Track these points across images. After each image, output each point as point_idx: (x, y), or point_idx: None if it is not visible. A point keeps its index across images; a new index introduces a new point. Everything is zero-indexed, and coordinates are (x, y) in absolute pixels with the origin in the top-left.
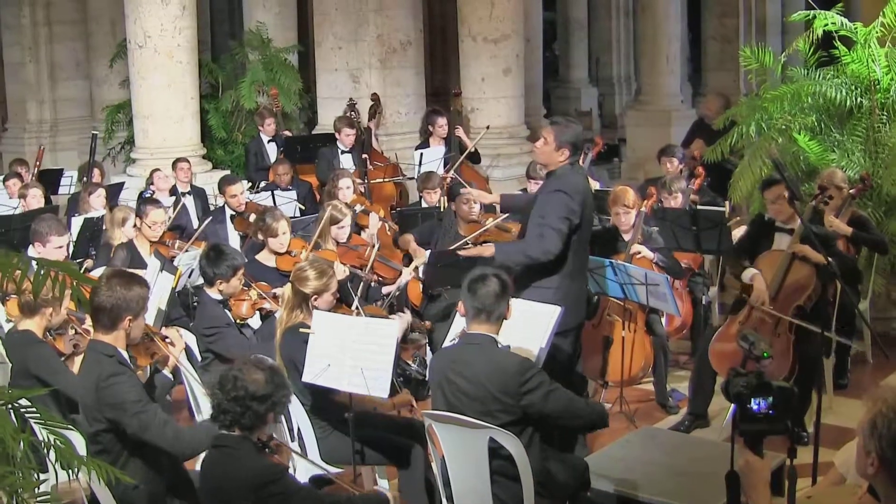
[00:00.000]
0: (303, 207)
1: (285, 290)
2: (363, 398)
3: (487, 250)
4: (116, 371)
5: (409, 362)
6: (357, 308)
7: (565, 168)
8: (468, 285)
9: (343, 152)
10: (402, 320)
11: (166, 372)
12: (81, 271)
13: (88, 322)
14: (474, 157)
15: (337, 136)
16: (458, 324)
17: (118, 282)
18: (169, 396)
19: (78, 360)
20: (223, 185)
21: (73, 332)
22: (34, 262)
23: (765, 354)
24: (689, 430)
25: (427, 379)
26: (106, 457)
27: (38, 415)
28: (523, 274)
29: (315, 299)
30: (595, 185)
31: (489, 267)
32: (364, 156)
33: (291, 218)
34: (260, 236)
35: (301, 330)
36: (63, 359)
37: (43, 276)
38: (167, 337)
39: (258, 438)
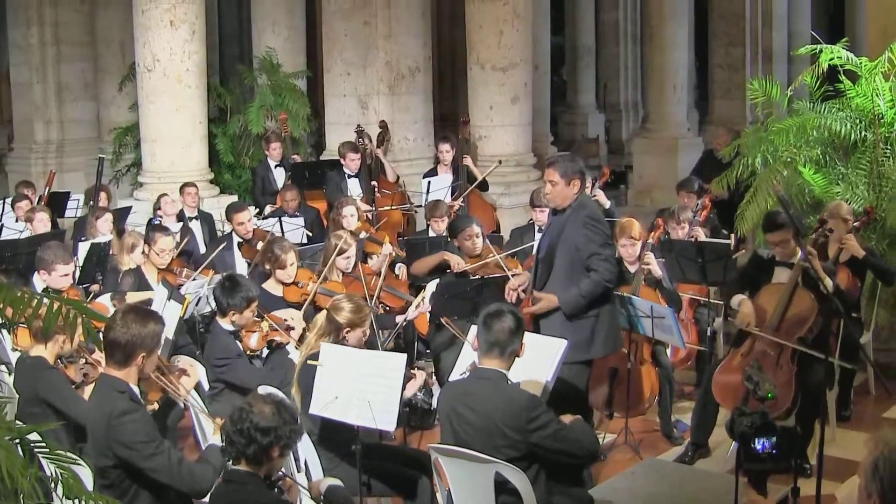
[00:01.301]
0: (310, 234)
1: (318, 318)
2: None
3: (551, 302)
4: (128, 409)
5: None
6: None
7: (581, 198)
8: (484, 320)
9: (350, 177)
10: (420, 378)
11: (179, 402)
12: (88, 297)
13: (98, 353)
14: (482, 185)
15: (342, 161)
16: (466, 356)
17: (133, 318)
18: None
19: (88, 388)
20: (230, 212)
21: (84, 361)
22: (45, 298)
23: (769, 395)
24: (692, 460)
25: (433, 408)
26: (113, 491)
27: (47, 448)
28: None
29: (347, 331)
30: (606, 203)
31: (505, 304)
32: (373, 183)
33: (298, 245)
34: (267, 266)
35: (309, 362)
36: (73, 387)
37: (55, 312)
38: (181, 370)
39: (266, 475)
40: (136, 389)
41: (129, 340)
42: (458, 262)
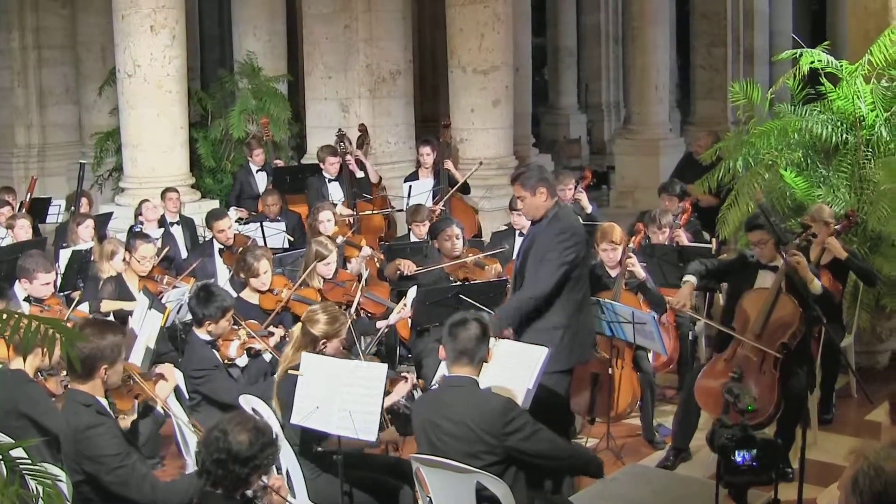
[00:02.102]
0: (292, 238)
1: (294, 330)
2: (352, 443)
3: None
4: (94, 422)
5: None
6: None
7: (556, 209)
8: (449, 329)
9: (330, 181)
10: (406, 385)
11: (158, 408)
12: (70, 305)
13: None
14: (465, 188)
15: (321, 165)
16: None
17: (91, 331)
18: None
19: None
20: (210, 220)
21: (65, 373)
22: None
23: (749, 408)
24: (674, 465)
25: None
26: None
27: (30, 463)
28: (531, 317)
29: (324, 344)
30: (589, 208)
31: (469, 311)
32: (354, 190)
33: (280, 251)
34: (241, 275)
35: (290, 372)
36: (54, 399)
37: (33, 332)
38: (159, 375)
39: (242, 495)
40: (103, 402)
41: (89, 354)
42: (409, 266)
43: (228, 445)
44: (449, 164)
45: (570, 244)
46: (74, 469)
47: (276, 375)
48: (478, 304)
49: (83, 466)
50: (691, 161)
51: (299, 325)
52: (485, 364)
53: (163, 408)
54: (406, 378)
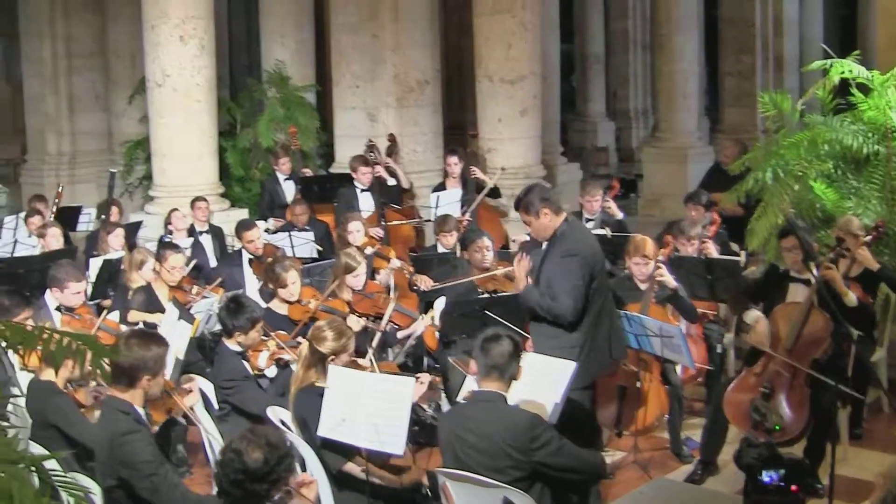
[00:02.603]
0: (320, 248)
1: (302, 348)
2: (373, 472)
3: (520, 284)
4: (131, 429)
5: (425, 407)
6: (371, 362)
7: (563, 227)
8: (481, 344)
9: (362, 191)
10: (422, 386)
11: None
12: (101, 314)
13: None
14: (494, 193)
15: (353, 175)
16: (472, 379)
17: (136, 342)
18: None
19: (97, 413)
20: (240, 230)
21: (95, 383)
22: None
23: (776, 427)
24: (701, 479)
25: None
26: None
27: (61, 474)
28: (549, 335)
29: (332, 360)
30: (619, 214)
31: (501, 328)
32: (382, 200)
33: (308, 261)
34: (270, 285)
35: (317, 384)
36: (83, 410)
37: (63, 348)
38: (188, 388)
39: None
40: (140, 411)
41: (132, 364)
42: (425, 281)
43: (244, 465)
44: (476, 171)
45: (574, 265)
46: (109, 474)
47: (290, 394)
48: (500, 319)
49: (118, 472)
50: (719, 171)
51: (306, 343)
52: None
53: (187, 417)
54: (419, 378)
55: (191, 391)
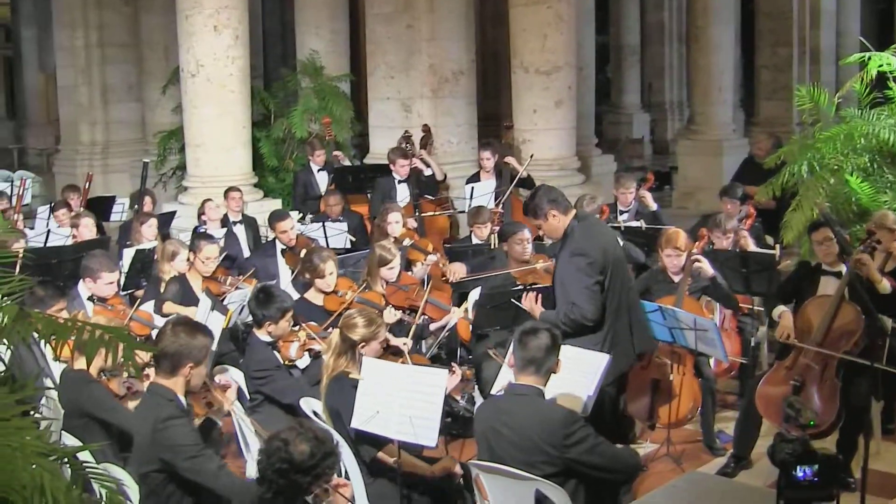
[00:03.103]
0: (353, 239)
1: (332, 336)
2: (406, 462)
3: (536, 313)
4: (174, 414)
5: (458, 399)
6: (405, 347)
7: (572, 225)
8: (519, 337)
9: (399, 182)
10: (455, 377)
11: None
12: (133, 305)
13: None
14: (528, 184)
15: (391, 167)
16: (507, 372)
17: (183, 329)
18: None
19: (131, 403)
20: (273, 220)
21: (127, 374)
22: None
23: (810, 423)
24: (734, 473)
25: (474, 415)
26: (156, 498)
27: (94, 466)
28: (568, 334)
29: (362, 347)
30: (653, 206)
31: (540, 322)
32: (416, 191)
33: (342, 252)
34: (307, 275)
35: (351, 377)
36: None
37: (96, 341)
38: (225, 386)
39: (302, 502)
40: (182, 400)
41: (177, 350)
42: (454, 273)
43: (290, 455)
44: (511, 160)
45: (582, 265)
46: (149, 459)
47: (321, 385)
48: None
49: (159, 455)
50: (752, 164)
51: (336, 331)
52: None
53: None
54: (453, 369)
55: (228, 387)
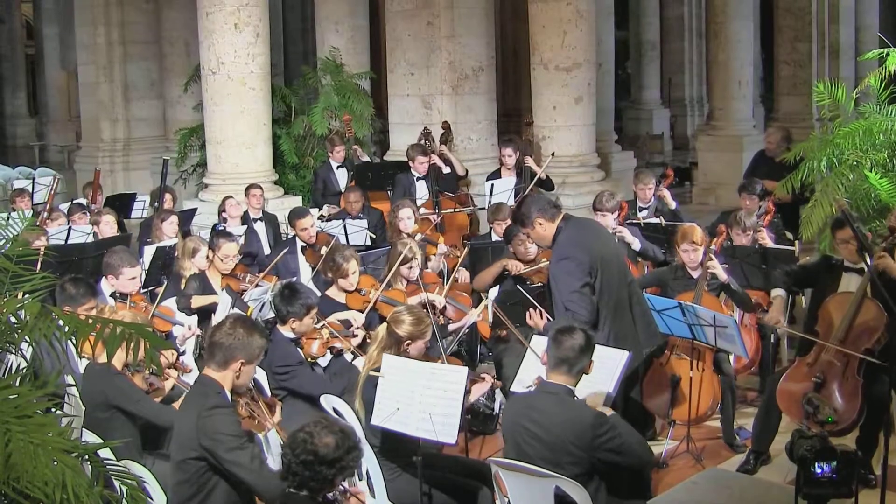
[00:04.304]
0: (373, 236)
1: (379, 331)
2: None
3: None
4: (220, 403)
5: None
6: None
7: (560, 227)
8: (554, 335)
9: (418, 178)
10: (484, 385)
11: (271, 436)
12: (154, 302)
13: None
14: (547, 185)
15: (411, 164)
16: (529, 365)
17: (242, 325)
18: None
19: (154, 399)
20: (293, 218)
21: (150, 371)
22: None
23: (829, 419)
24: (754, 469)
25: (494, 413)
26: (189, 486)
27: (115, 463)
28: None
29: (408, 344)
30: (672, 204)
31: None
32: (436, 188)
33: (362, 248)
34: (329, 274)
35: (371, 373)
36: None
37: (118, 336)
38: (273, 403)
39: (324, 497)
40: (229, 396)
41: (231, 343)
42: (515, 265)
43: (315, 448)
44: (529, 161)
45: (569, 268)
46: (190, 446)
47: (360, 376)
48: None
49: (201, 441)
50: (765, 158)
51: (384, 325)
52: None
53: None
54: (485, 378)
55: (275, 405)
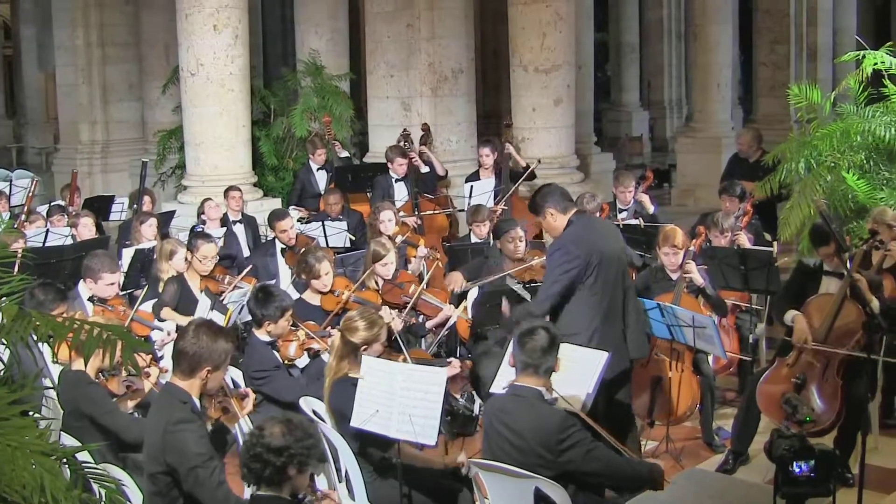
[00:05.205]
0: (353, 238)
1: (334, 339)
2: (414, 455)
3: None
4: (186, 418)
5: (457, 396)
6: (404, 355)
7: (570, 222)
8: (518, 339)
9: (397, 180)
10: (453, 368)
11: (242, 426)
12: (133, 305)
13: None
14: (530, 175)
15: (389, 165)
16: (507, 368)
17: (205, 331)
18: None
19: (130, 402)
20: (272, 220)
21: (126, 374)
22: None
23: (807, 419)
24: (733, 469)
25: (474, 415)
26: (162, 498)
27: (93, 466)
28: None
29: (364, 349)
30: (651, 208)
31: (540, 319)
32: (416, 190)
33: (341, 250)
34: (303, 276)
35: (351, 374)
36: (115, 399)
37: (94, 338)
38: (244, 391)
39: (292, 495)
40: (197, 402)
41: (196, 352)
42: (458, 283)
43: (264, 439)
44: (511, 149)
45: (563, 260)
46: (157, 460)
47: (325, 387)
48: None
49: (166, 457)
50: (739, 160)
51: (337, 335)
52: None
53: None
54: (450, 361)
55: (247, 395)
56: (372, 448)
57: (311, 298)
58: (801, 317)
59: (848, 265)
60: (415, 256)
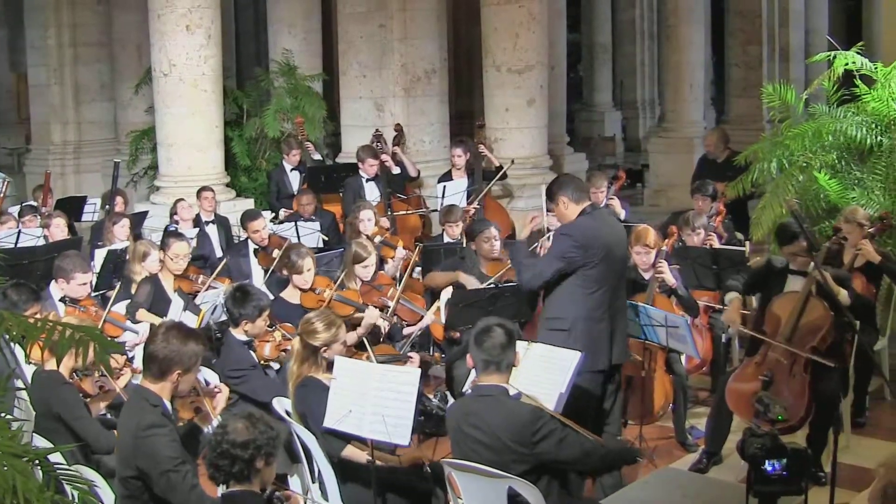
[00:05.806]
0: (326, 238)
1: (294, 343)
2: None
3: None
4: (156, 423)
5: (430, 397)
6: (369, 353)
7: (583, 212)
8: (474, 338)
9: (367, 181)
10: (413, 362)
11: (207, 429)
12: (105, 306)
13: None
14: (502, 174)
15: (360, 165)
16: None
17: (175, 334)
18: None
19: (103, 403)
20: (245, 220)
21: (99, 373)
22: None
23: (779, 417)
24: (706, 468)
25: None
26: (132, 502)
27: (65, 467)
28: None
29: (325, 351)
30: (622, 213)
31: (493, 317)
32: (388, 190)
33: (314, 250)
34: (284, 272)
35: (315, 377)
36: (88, 400)
37: (67, 340)
38: (216, 388)
39: (262, 489)
40: (168, 406)
41: (166, 355)
42: (472, 285)
43: (227, 436)
44: (484, 149)
45: (568, 245)
46: (128, 464)
47: (289, 392)
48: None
49: (137, 462)
50: (708, 161)
51: (297, 338)
52: (515, 368)
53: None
54: (411, 357)
55: (219, 391)
56: (332, 444)
57: (291, 297)
58: (737, 301)
59: (817, 262)
60: (391, 258)
